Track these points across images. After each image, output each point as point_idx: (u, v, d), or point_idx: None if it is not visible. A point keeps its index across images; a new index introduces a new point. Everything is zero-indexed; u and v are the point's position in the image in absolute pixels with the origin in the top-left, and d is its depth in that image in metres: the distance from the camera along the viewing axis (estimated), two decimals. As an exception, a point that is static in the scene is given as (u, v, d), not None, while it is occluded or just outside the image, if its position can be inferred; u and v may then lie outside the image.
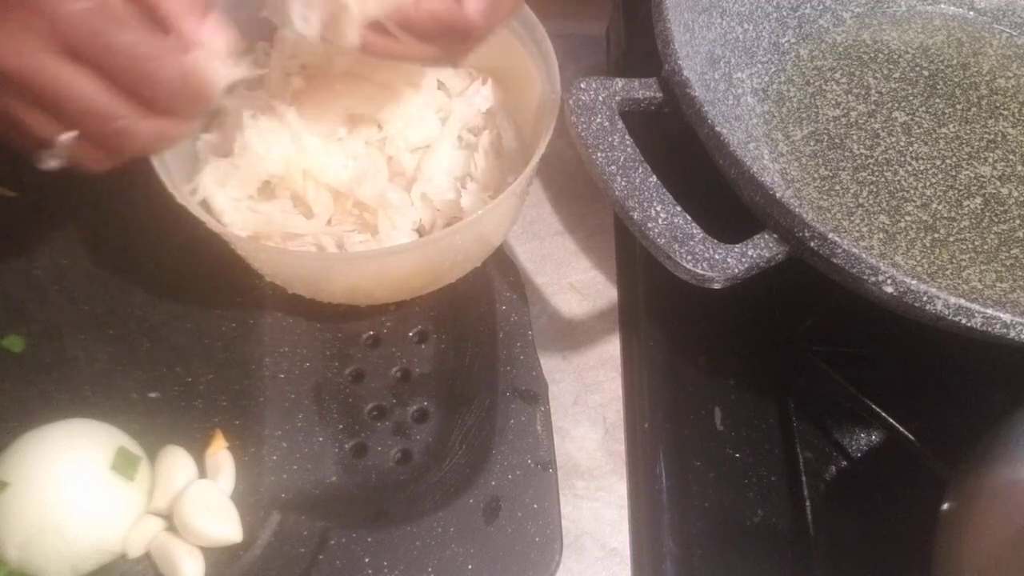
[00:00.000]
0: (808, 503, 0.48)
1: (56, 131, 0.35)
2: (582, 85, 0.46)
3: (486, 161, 0.53)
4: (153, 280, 0.53)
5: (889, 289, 0.39)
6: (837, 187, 0.54)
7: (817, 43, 0.62)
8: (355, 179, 0.50)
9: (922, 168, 0.55)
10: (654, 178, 0.43)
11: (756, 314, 0.53)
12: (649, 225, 0.41)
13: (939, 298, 0.39)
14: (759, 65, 0.59)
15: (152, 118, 0.36)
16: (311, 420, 0.49)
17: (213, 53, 0.36)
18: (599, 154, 0.44)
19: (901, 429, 0.48)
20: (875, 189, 0.54)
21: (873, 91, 0.59)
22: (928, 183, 0.55)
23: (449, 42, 0.42)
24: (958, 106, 0.59)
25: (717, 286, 0.41)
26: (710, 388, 0.52)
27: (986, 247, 0.52)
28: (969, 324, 0.39)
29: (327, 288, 0.50)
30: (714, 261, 0.41)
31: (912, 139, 0.57)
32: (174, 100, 0.36)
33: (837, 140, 0.57)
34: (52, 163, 0.37)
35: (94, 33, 0.34)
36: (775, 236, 0.42)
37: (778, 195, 0.41)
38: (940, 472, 0.45)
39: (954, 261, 0.52)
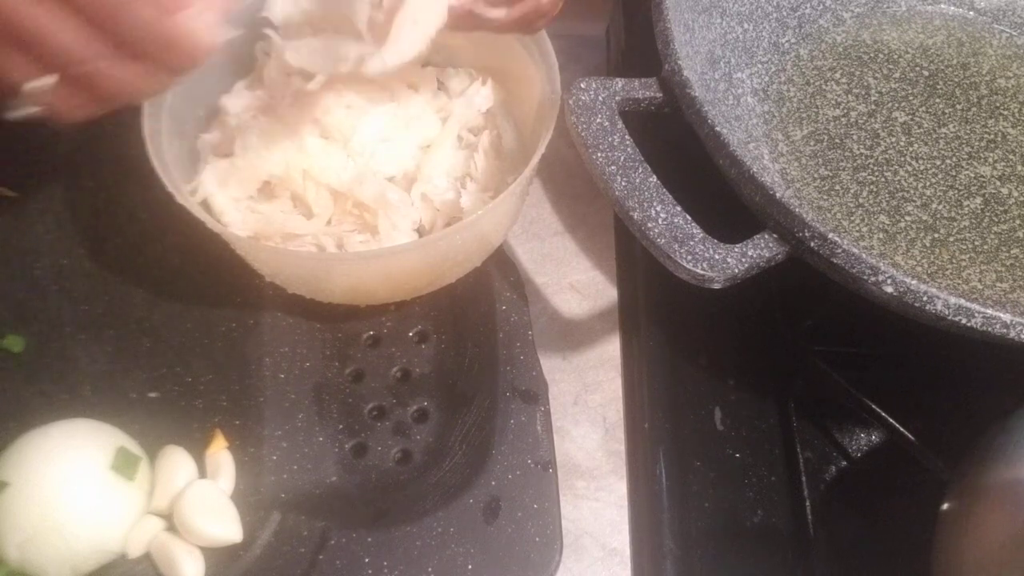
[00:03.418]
0: (808, 503, 0.48)
1: (31, 74, 0.34)
2: (582, 85, 0.46)
3: (486, 161, 0.53)
4: (153, 280, 0.53)
5: (889, 289, 0.39)
6: (837, 187, 0.54)
7: (817, 43, 0.62)
8: (355, 179, 0.50)
9: (922, 168, 0.55)
10: (654, 178, 0.43)
11: (756, 314, 0.53)
12: (649, 225, 0.41)
13: (939, 298, 0.39)
14: (759, 65, 0.59)
15: (130, 64, 0.34)
16: (311, 420, 0.49)
17: (203, 9, 0.34)
18: (599, 154, 0.44)
19: (901, 429, 0.48)
20: (875, 189, 0.54)
21: (873, 91, 0.59)
22: (928, 183, 0.55)
23: None
24: (958, 106, 0.59)
25: (717, 286, 0.41)
26: (710, 388, 0.52)
27: (986, 247, 0.52)
28: (969, 324, 0.39)
29: (327, 288, 0.50)
30: (714, 261, 0.41)
31: (912, 139, 0.57)
32: (150, 44, 0.34)
33: (837, 140, 0.57)
34: (20, 112, 0.35)
35: None
36: (775, 236, 0.42)
37: (778, 195, 0.41)
38: (940, 472, 0.45)
39: (954, 261, 0.52)
